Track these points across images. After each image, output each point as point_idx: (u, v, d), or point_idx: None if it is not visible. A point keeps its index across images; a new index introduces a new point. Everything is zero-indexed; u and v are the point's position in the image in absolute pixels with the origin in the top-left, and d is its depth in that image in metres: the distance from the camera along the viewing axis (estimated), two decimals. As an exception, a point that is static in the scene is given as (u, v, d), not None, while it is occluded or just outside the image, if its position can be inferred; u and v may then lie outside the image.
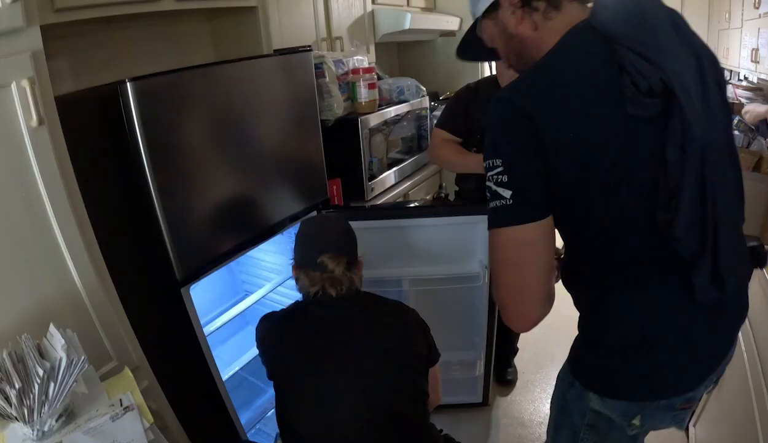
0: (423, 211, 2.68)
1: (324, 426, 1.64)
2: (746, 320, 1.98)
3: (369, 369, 1.66)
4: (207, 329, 2.27)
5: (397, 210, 2.81)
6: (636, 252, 1.23)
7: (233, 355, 2.73)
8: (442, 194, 3.84)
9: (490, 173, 1.17)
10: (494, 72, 2.64)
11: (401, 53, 5.18)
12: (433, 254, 2.68)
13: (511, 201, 1.14)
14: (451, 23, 4.75)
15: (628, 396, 1.33)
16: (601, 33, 1.14)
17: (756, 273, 2.10)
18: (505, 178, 1.14)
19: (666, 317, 1.25)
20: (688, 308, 1.23)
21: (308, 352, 1.68)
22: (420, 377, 1.76)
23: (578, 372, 1.42)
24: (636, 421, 1.36)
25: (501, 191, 1.15)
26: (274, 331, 1.78)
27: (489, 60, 1.39)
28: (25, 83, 1.45)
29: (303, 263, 1.76)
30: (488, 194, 1.18)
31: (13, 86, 1.44)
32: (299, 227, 1.85)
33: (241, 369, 2.67)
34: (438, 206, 3.02)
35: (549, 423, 1.60)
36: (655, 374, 1.29)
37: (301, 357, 1.68)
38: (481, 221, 2.50)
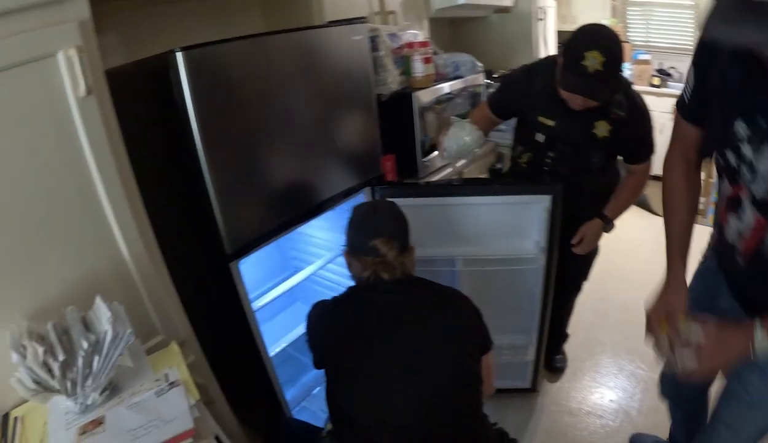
0: (478, 189, 2.58)
1: (379, 413, 1.60)
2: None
3: (426, 355, 1.63)
4: (255, 305, 2.25)
5: (452, 187, 2.72)
6: None
7: (281, 331, 2.71)
8: (497, 167, 3.74)
9: None
10: (550, 53, 2.51)
11: (454, 29, 5.07)
12: (487, 234, 2.60)
13: None
14: (505, -1, 4.63)
15: None
16: None
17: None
18: None
19: None
20: None
21: (363, 338, 1.65)
22: (476, 364, 1.72)
23: None
24: None
25: None
26: (326, 318, 1.75)
27: None
28: (72, 52, 1.42)
29: (355, 248, 1.75)
30: None
31: (60, 55, 1.41)
32: (351, 213, 1.82)
33: (288, 345, 2.65)
34: (493, 184, 2.94)
35: None
36: None
37: (356, 344, 1.65)
38: (538, 200, 2.44)
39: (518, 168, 2.68)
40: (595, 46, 2.03)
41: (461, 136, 2.47)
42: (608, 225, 2.48)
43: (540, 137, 2.46)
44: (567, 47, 2.15)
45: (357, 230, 1.76)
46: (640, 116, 2.35)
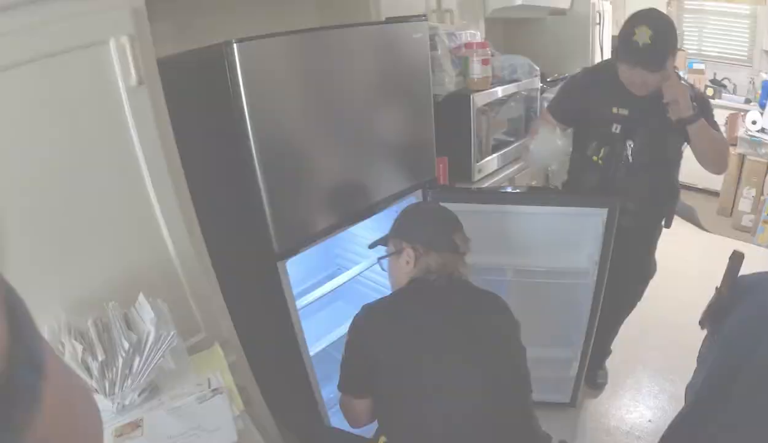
0: (534, 198, 2.53)
1: (440, 415, 1.54)
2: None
3: (488, 357, 1.60)
4: (298, 304, 2.20)
5: (508, 195, 2.65)
6: None
7: (319, 330, 2.65)
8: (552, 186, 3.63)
9: None
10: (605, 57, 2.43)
11: (508, 31, 4.92)
12: (539, 245, 2.53)
13: None
14: (562, 1, 4.50)
15: None
16: None
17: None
18: None
19: None
20: None
21: (420, 342, 1.59)
22: (527, 365, 1.70)
23: None
24: None
25: None
26: (377, 323, 1.69)
27: None
28: (125, 40, 1.39)
29: (434, 242, 1.71)
30: None
31: (112, 43, 1.38)
32: (409, 213, 1.78)
33: (328, 345, 2.59)
34: (551, 194, 2.84)
35: None
36: None
37: (413, 347, 1.59)
38: (595, 213, 2.38)
39: (591, 167, 2.57)
40: (644, 22, 2.13)
41: (552, 139, 2.44)
42: (694, 116, 2.29)
43: (616, 128, 2.42)
44: (621, 28, 2.24)
45: (433, 225, 1.75)
46: (704, 100, 2.40)
